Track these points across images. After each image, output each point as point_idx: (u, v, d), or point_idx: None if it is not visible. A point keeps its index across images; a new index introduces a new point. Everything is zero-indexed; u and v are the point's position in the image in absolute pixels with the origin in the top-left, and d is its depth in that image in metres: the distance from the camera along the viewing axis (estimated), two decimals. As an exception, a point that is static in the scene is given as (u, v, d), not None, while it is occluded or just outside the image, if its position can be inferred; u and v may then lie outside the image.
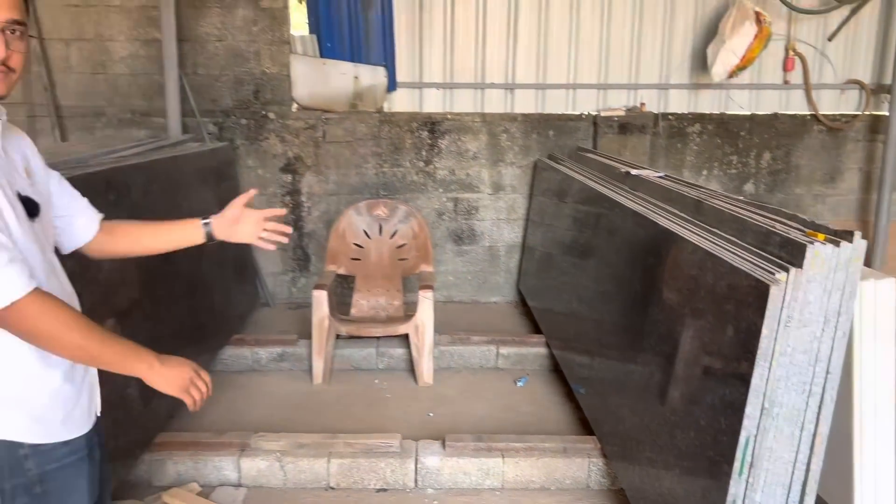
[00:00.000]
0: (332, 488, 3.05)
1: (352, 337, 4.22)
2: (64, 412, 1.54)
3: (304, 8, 5.28)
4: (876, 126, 5.45)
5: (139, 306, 3.10)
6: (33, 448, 1.48)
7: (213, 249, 4.20)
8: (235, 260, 4.72)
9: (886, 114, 5.27)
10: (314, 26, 5.22)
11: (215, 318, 4.16)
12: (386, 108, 5.39)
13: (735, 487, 1.96)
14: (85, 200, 1.82)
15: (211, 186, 4.40)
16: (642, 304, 2.75)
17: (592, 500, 3.02)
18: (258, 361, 4.25)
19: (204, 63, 5.04)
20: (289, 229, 1.97)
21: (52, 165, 2.85)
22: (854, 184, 5.55)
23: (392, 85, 5.32)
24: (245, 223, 1.90)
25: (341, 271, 4.53)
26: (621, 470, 2.89)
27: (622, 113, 5.30)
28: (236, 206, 1.89)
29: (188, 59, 4.98)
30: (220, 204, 4.58)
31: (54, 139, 4.99)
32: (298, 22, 5.32)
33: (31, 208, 1.50)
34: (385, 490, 3.05)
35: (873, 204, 5.42)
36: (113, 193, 2.99)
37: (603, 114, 5.28)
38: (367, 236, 4.59)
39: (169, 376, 1.54)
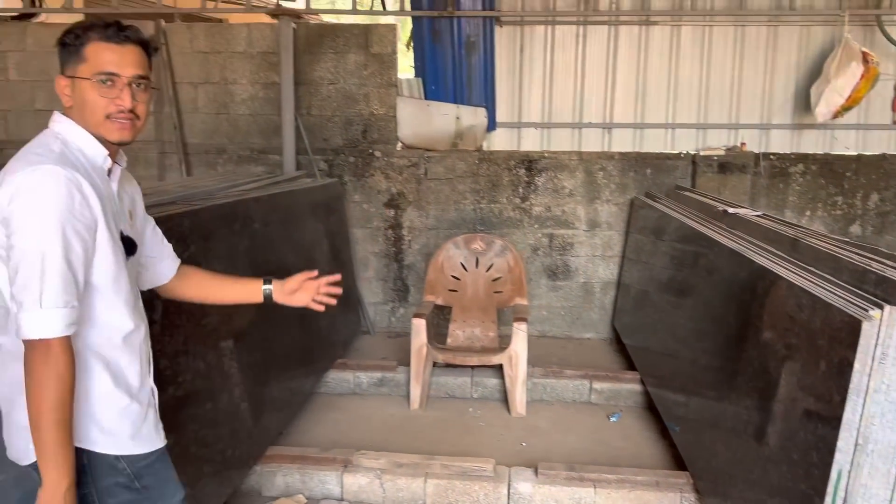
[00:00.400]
0: (428, 508, 3.19)
1: (448, 365, 4.38)
2: (133, 429, 1.67)
3: (410, 53, 5.60)
4: None
5: (256, 328, 3.36)
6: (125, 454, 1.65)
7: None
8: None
9: None
10: (420, 70, 5.52)
11: (321, 342, 4.42)
12: (485, 146, 5.60)
13: (827, 521, 1.98)
14: (170, 247, 2.00)
15: (321, 219, 4.69)
16: (738, 341, 2.78)
17: (684, 535, 3.03)
18: (359, 385, 4.46)
19: (317, 105, 5.40)
20: (338, 290, 2.11)
21: (185, 196, 3.18)
22: (971, 227, 5.32)
23: (492, 125, 5.54)
24: (302, 292, 2.06)
25: (439, 302, 4.72)
26: (714, 506, 2.90)
27: (722, 152, 5.31)
28: (297, 280, 2.05)
29: (303, 101, 5.35)
30: (329, 235, 4.89)
31: (181, 174, 5.45)
32: (405, 66, 5.63)
33: (129, 247, 1.69)
34: (478, 513, 3.17)
35: None
36: (238, 223, 3.29)
37: (702, 153, 5.31)
38: (464, 269, 4.77)
39: None
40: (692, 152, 5.38)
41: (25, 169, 1.49)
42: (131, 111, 1.62)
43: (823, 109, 4.94)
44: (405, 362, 4.42)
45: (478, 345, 4.56)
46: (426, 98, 5.50)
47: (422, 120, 5.47)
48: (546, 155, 5.40)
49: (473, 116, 5.45)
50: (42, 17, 5.70)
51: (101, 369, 1.61)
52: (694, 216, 4.09)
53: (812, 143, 5.50)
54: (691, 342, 3.51)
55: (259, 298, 2.05)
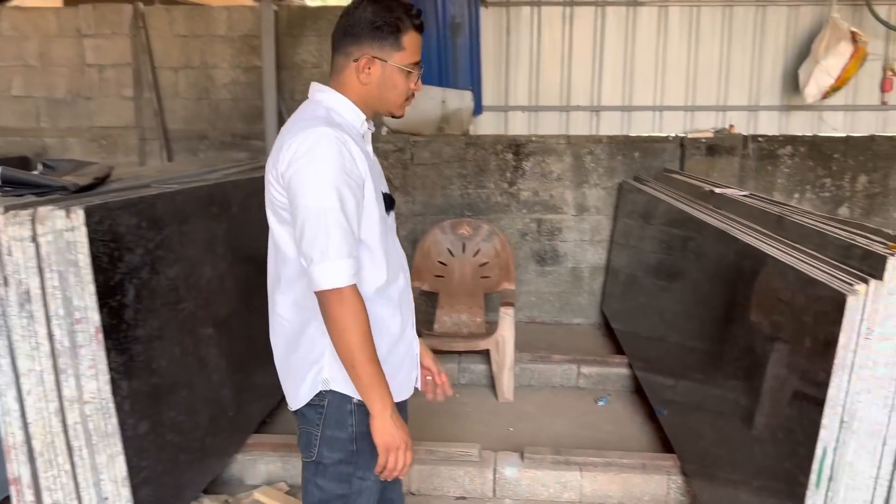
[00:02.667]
0: (413, 494, 3.15)
1: (434, 351, 4.32)
2: (388, 377, 1.69)
3: (395, 36, 5.52)
4: (983, 147, 5.20)
5: (236, 314, 3.30)
6: (358, 406, 1.71)
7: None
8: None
9: None
10: (404, 53, 5.44)
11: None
12: (472, 131, 5.54)
13: (812, 499, 1.94)
14: None
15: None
16: (724, 322, 2.74)
17: (671, 518, 3.00)
18: (345, 373, 4.41)
19: (301, 89, 5.32)
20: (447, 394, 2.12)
21: (165, 181, 3.11)
22: (960, 207, 5.29)
23: (478, 108, 5.48)
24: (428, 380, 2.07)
25: (425, 288, 4.67)
26: (701, 487, 2.87)
27: (710, 135, 5.26)
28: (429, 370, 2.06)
29: (286, 85, 5.28)
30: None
31: (161, 160, 5.38)
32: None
33: (389, 203, 1.80)
34: (464, 498, 3.13)
35: (981, 229, 5.15)
36: (215, 207, 3.22)
37: (690, 136, 5.25)
38: (451, 254, 4.72)
39: (388, 430, 1.63)
40: (681, 135, 5.33)
41: (299, 135, 1.62)
42: (412, 94, 1.79)
43: (813, 90, 4.90)
44: (391, 349, 4.37)
45: (465, 330, 4.52)
46: (411, 82, 5.44)
47: (407, 104, 5.40)
48: (534, 139, 5.34)
49: (460, 100, 5.39)
50: (17, 1, 5.59)
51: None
52: (681, 198, 4.05)
53: (800, 125, 5.45)
54: (679, 325, 3.48)
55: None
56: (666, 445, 3.42)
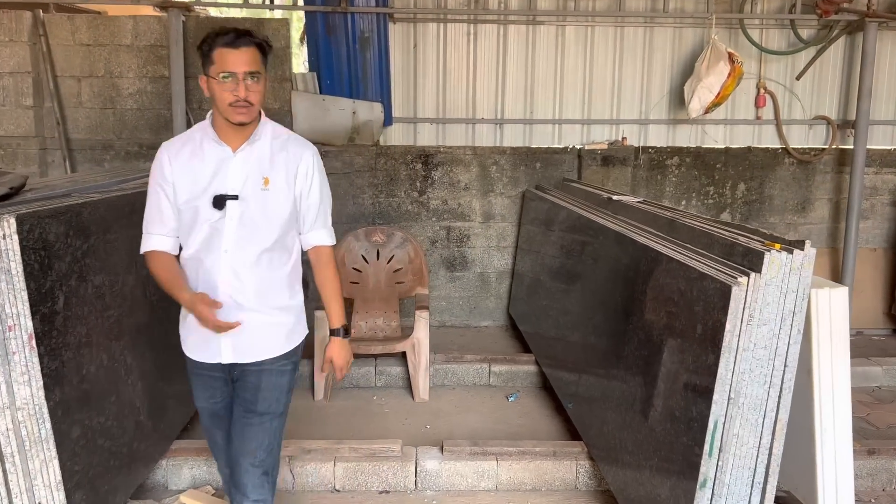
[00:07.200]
0: (338, 490, 3.26)
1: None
2: (184, 337, 2.32)
3: (304, 47, 5.60)
4: (843, 159, 5.80)
5: (157, 322, 3.31)
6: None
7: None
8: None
9: (851, 147, 5.62)
10: (314, 64, 5.54)
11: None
12: (382, 141, 5.69)
13: (706, 467, 2.20)
14: (311, 226, 2.46)
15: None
16: (623, 315, 3.01)
17: (580, 499, 3.24)
18: (262, 380, 4.45)
19: (209, 99, 5.31)
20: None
21: (74, 191, 3.09)
22: (824, 213, 5.88)
23: (388, 120, 5.63)
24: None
25: (341, 294, 4.76)
26: (607, 470, 3.12)
27: (605, 146, 5.63)
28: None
29: (194, 94, 5.26)
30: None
31: (64, 170, 5.24)
32: (299, 60, 5.63)
33: (218, 203, 2.17)
34: (387, 492, 3.27)
35: (842, 232, 5.74)
36: (136, 216, 3.22)
37: (587, 147, 5.60)
38: (366, 261, 4.85)
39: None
40: (578, 147, 5.67)
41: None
42: (245, 99, 2.09)
43: (696, 105, 5.32)
44: (306, 355, 4.45)
45: (381, 334, 4.65)
46: (321, 93, 5.53)
47: (318, 115, 5.50)
48: (442, 150, 5.55)
49: (370, 111, 5.53)
50: None
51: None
52: (581, 205, 4.34)
53: (685, 138, 5.90)
54: (582, 323, 3.74)
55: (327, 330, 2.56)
56: (573, 435, 3.67)
